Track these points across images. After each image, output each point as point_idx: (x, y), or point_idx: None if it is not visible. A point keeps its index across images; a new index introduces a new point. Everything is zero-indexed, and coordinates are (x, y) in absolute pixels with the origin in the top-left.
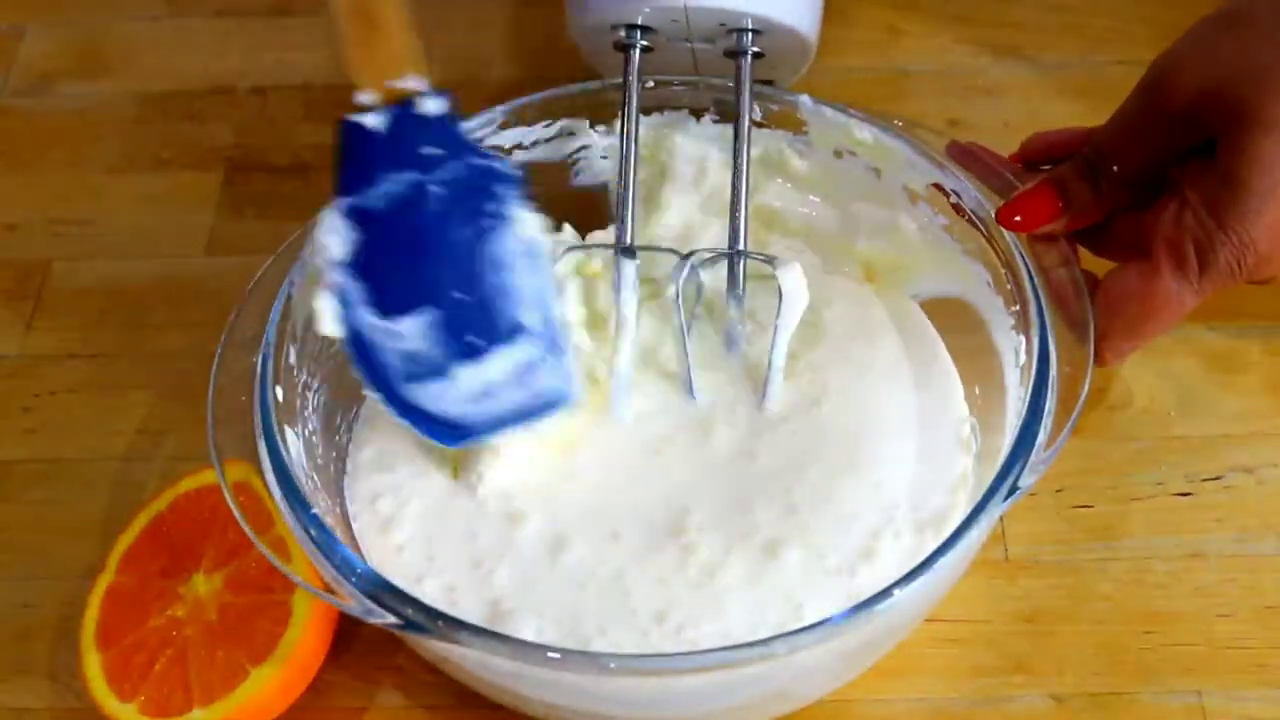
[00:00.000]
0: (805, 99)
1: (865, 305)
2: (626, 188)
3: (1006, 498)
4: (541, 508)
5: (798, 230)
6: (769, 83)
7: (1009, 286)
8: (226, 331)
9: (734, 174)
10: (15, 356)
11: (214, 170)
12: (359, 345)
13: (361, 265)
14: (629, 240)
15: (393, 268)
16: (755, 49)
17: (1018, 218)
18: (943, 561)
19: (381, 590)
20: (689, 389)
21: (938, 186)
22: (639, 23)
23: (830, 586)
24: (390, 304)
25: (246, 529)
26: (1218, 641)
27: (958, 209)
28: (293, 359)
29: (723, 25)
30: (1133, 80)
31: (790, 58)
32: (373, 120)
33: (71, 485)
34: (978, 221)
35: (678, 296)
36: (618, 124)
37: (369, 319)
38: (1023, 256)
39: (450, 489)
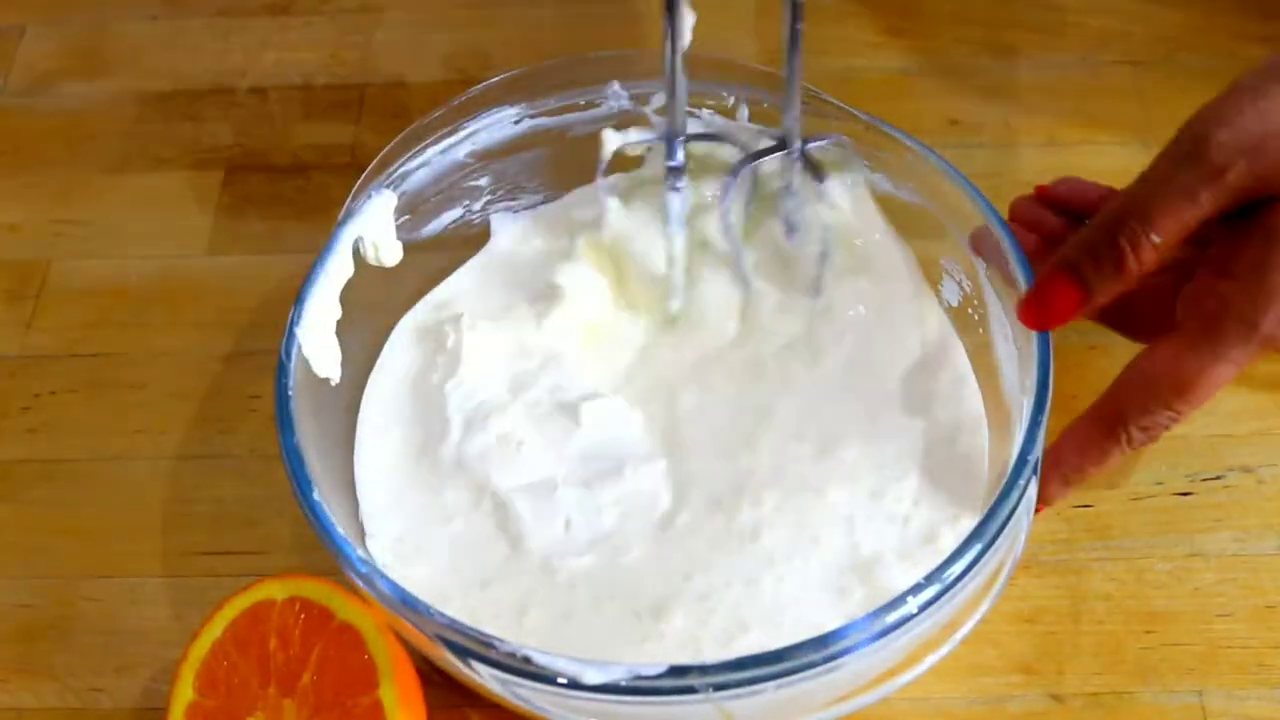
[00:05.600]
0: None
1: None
2: (673, 78)
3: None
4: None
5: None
6: None
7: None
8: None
9: (789, 71)
10: (15, 356)
11: (214, 170)
12: None
13: None
14: (678, 130)
15: None
16: None
17: (1042, 317)
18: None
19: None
20: (745, 283)
21: None
22: None
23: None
24: None
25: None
26: (1218, 641)
27: None
28: None
29: None
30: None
31: None
32: None
33: (71, 485)
34: None
35: (726, 204)
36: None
37: None
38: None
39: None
